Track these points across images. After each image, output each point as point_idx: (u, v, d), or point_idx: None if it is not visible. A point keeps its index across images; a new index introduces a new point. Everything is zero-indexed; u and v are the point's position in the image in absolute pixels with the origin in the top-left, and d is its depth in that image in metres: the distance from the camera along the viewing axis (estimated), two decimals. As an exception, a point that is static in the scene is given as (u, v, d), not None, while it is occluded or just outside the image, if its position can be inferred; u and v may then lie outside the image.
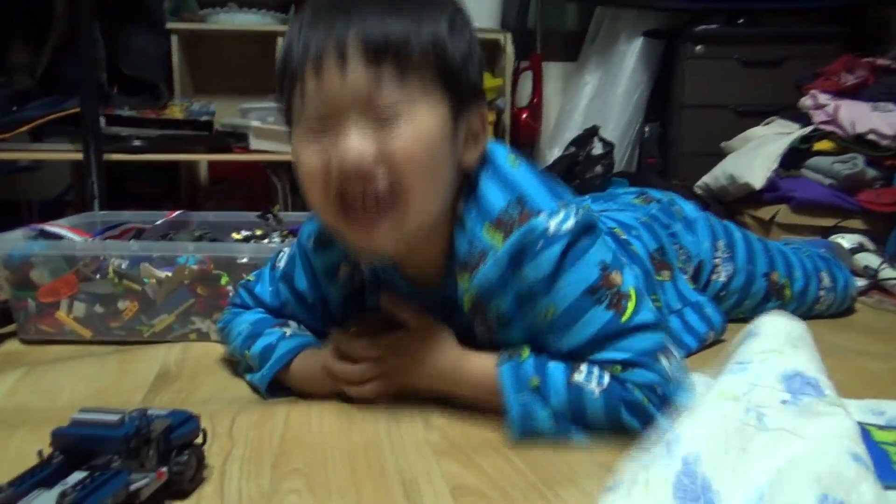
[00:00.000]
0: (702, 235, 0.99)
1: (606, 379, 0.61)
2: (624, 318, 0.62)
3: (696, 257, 0.97)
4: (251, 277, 0.84)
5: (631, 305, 0.63)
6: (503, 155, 0.67)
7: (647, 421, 0.60)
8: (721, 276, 0.99)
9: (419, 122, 0.58)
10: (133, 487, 0.48)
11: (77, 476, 0.47)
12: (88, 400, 0.74)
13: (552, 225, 0.62)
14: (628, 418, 0.61)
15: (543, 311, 0.64)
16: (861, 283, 1.24)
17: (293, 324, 0.79)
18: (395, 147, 0.58)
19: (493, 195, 0.64)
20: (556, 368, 0.63)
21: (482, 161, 0.66)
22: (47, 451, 0.50)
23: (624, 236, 0.88)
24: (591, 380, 0.62)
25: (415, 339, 0.70)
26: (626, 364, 0.61)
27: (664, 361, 0.62)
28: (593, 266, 0.63)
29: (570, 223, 0.62)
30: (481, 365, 0.67)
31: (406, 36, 0.57)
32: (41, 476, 0.47)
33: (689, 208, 1.03)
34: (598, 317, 0.62)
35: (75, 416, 0.51)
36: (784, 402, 0.52)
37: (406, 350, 0.69)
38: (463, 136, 0.63)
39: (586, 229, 0.64)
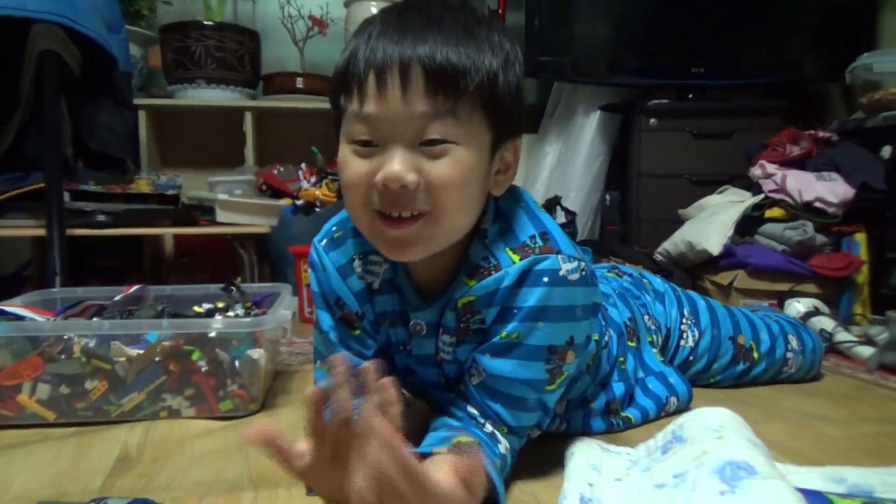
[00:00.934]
0: (669, 305, 1.04)
1: (508, 445, 0.69)
2: (548, 387, 0.69)
3: (665, 326, 1.02)
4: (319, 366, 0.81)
5: (558, 381, 0.70)
6: (531, 198, 0.75)
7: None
8: (688, 342, 1.04)
9: (462, 154, 0.63)
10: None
11: None
12: (44, 487, 0.72)
13: (564, 268, 0.67)
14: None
15: (509, 332, 0.67)
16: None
17: None
18: (436, 175, 0.62)
19: (522, 226, 0.70)
20: (492, 443, 0.67)
21: (514, 196, 0.73)
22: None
23: (601, 303, 0.91)
24: (505, 448, 0.68)
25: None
26: (511, 430, 0.70)
27: (528, 433, 0.73)
28: (566, 334, 0.68)
29: (576, 276, 0.67)
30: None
31: (466, 67, 0.61)
32: None
33: (657, 282, 1.09)
34: (537, 369, 0.68)
35: None
36: (722, 493, 0.54)
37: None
38: (497, 166, 0.68)
39: (594, 307, 0.72)
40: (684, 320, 1.04)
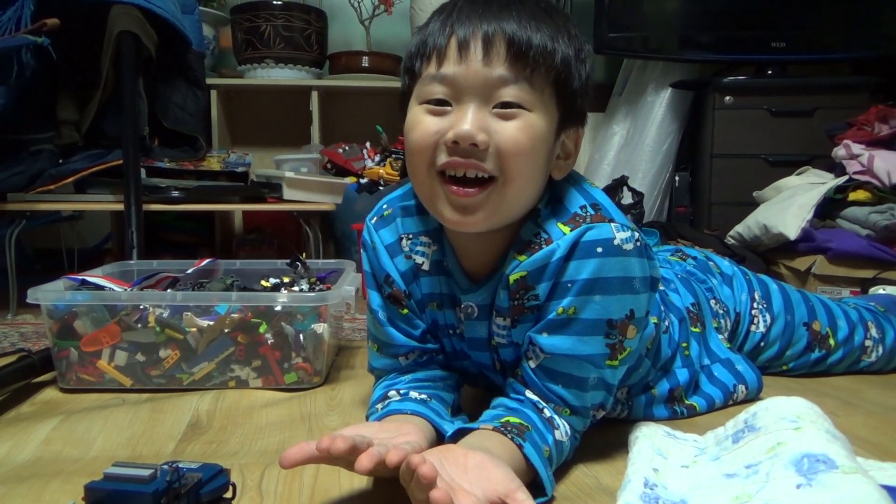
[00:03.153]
0: (738, 289, 1.00)
1: (568, 429, 0.68)
2: (608, 363, 0.68)
3: (734, 310, 0.98)
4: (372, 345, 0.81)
5: (620, 357, 0.68)
6: (584, 178, 0.75)
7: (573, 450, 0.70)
8: (759, 327, 1.00)
9: (533, 120, 0.64)
10: (164, 543, 0.48)
11: None
12: (121, 449, 0.75)
13: (618, 237, 0.65)
14: (570, 457, 0.70)
15: (565, 308, 0.65)
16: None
17: (400, 391, 0.75)
18: (507, 137, 0.63)
19: (572, 199, 0.70)
20: (545, 430, 0.66)
21: (565, 178, 0.72)
22: (80, 504, 0.51)
23: (661, 287, 0.89)
24: (563, 434, 0.67)
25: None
26: (574, 410, 0.68)
27: (593, 413, 0.71)
28: (625, 307, 0.66)
29: (630, 246, 0.65)
30: (493, 451, 0.60)
31: (544, 47, 0.64)
32: None
33: (724, 265, 1.04)
34: (597, 345, 0.66)
35: (108, 471, 0.51)
36: (799, 486, 0.52)
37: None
38: (558, 150, 0.69)
39: (653, 281, 0.69)
40: (755, 305, 1.00)
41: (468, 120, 0.62)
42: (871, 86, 2.09)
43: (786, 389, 0.93)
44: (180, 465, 0.53)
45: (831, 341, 1.02)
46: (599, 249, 0.64)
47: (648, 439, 0.71)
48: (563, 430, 0.67)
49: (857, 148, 1.69)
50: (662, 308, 0.84)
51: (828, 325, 1.02)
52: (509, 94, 0.63)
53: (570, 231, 0.66)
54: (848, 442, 0.59)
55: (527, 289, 0.68)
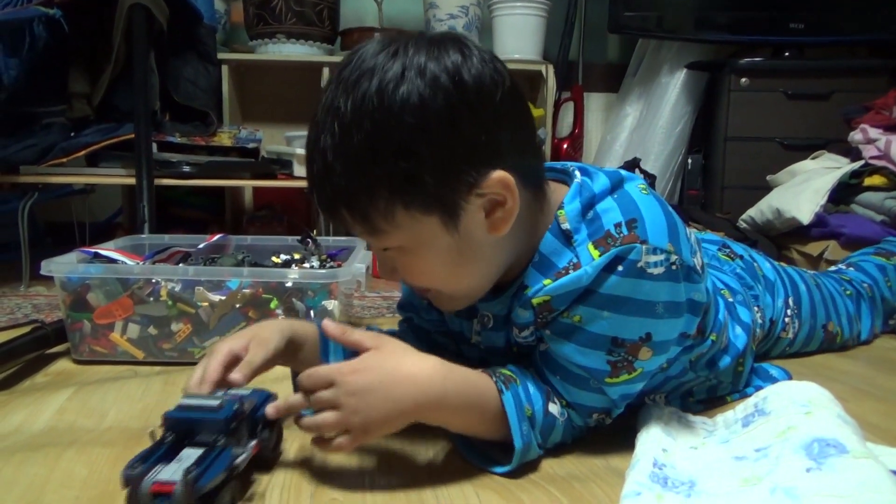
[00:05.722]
0: (777, 296, 0.98)
1: (564, 411, 0.67)
2: (608, 380, 0.65)
3: (770, 319, 0.97)
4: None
5: (624, 377, 0.65)
6: (634, 183, 0.68)
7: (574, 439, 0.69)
8: (789, 334, 1.00)
9: (414, 253, 0.62)
10: (237, 461, 0.55)
11: (189, 453, 0.53)
12: (134, 420, 0.76)
13: (644, 260, 0.61)
14: (567, 441, 0.69)
15: (571, 314, 0.64)
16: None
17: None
18: (408, 274, 0.65)
19: (610, 213, 0.64)
20: (536, 394, 0.65)
21: (613, 186, 0.66)
22: (158, 432, 0.56)
23: (731, 299, 0.86)
24: (558, 413, 0.66)
25: (379, 355, 0.60)
26: (568, 405, 0.67)
27: (594, 417, 0.68)
28: (639, 329, 0.63)
29: (659, 269, 0.62)
30: (470, 379, 0.63)
31: (357, 201, 0.59)
32: (158, 454, 0.53)
33: (766, 268, 1.00)
34: (596, 359, 0.64)
35: (182, 402, 0.58)
36: (809, 469, 0.52)
37: (370, 368, 0.59)
38: (478, 214, 0.61)
39: (692, 305, 0.67)
40: (788, 311, 0.98)
41: (380, 272, 0.67)
42: (889, 69, 2.05)
43: (796, 375, 0.93)
44: (238, 393, 0.60)
45: (839, 339, 1.07)
46: (620, 268, 0.61)
47: (658, 420, 0.71)
48: (559, 408, 0.66)
49: (874, 132, 1.67)
50: (728, 319, 0.81)
51: (839, 324, 1.05)
52: (380, 243, 0.63)
53: (599, 256, 0.61)
54: (858, 427, 0.59)
55: (551, 311, 0.65)
